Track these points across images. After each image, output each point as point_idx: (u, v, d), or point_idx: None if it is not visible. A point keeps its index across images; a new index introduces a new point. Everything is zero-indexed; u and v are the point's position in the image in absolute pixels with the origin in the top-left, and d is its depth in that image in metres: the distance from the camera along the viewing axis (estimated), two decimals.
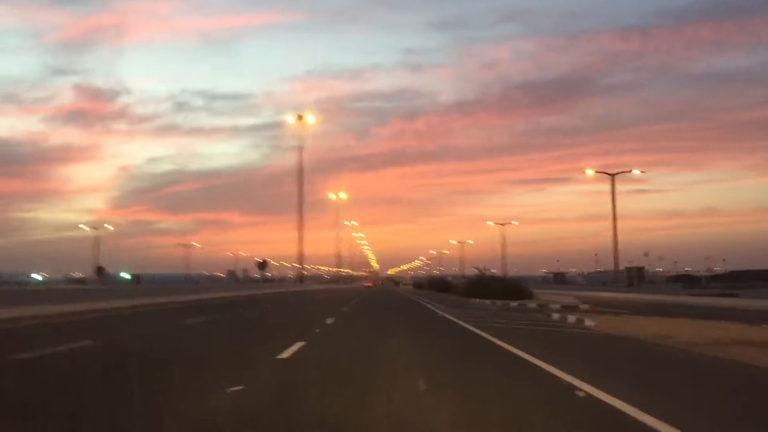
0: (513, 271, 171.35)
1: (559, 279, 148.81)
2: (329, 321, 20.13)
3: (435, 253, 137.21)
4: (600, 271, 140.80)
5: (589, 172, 56.58)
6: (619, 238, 56.98)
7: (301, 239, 75.10)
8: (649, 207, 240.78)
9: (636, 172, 57.71)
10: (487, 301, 34.42)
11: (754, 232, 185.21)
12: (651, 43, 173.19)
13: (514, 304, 31.72)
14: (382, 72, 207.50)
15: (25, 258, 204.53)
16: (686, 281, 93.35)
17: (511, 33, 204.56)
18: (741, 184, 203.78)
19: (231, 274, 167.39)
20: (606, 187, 57.45)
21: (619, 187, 53.65)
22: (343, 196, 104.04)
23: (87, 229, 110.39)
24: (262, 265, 54.54)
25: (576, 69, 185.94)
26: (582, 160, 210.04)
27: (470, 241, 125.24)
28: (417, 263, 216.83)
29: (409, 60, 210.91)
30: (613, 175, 53.72)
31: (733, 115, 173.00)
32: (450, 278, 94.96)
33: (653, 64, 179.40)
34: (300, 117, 71.46)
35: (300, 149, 73.96)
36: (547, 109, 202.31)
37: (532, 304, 31.22)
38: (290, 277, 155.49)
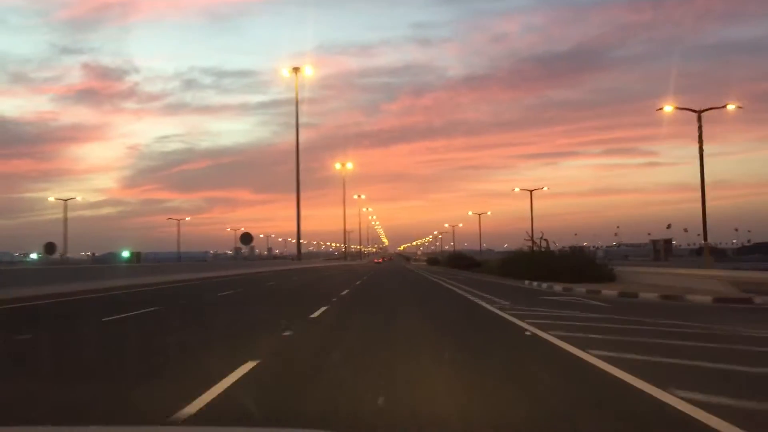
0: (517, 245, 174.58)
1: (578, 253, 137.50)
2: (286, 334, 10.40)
3: (449, 226, 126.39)
4: (622, 245, 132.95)
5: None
6: (631, 211, 50.50)
7: (298, 207, 64.63)
8: (661, 180, 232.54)
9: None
10: (558, 286, 23.49)
11: (763, 204, 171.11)
12: (662, 15, 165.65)
13: (611, 292, 20.08)
14: (390, 47, 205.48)
15: (34, 237, 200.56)
16: (696, 254, 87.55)
17: (521, 5, 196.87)
18: (753, 156, 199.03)
19: (237, 251, 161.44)
20: (616, 160, 53.94)
21: (629, 161, 50.00)
22: (349, 166, 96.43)
23: (79, 198, 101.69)
24: (246, 239, 43.52)
25: (586, 41, 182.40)
26: (592, 133, 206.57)
27: (488, 213, 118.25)
28: (427, 239, 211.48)
29: (417, 34, 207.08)
30: (531, 192, 55.40)
31: (746, 87, 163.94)
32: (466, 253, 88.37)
33: (664, 36, 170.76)
34: (296, 69, 60.98)
35: (296, 104, 63.46)
36: (557, 82, 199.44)
37: (650, 294, 18.85)
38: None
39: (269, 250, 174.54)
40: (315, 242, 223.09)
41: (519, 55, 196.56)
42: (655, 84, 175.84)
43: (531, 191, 76.00)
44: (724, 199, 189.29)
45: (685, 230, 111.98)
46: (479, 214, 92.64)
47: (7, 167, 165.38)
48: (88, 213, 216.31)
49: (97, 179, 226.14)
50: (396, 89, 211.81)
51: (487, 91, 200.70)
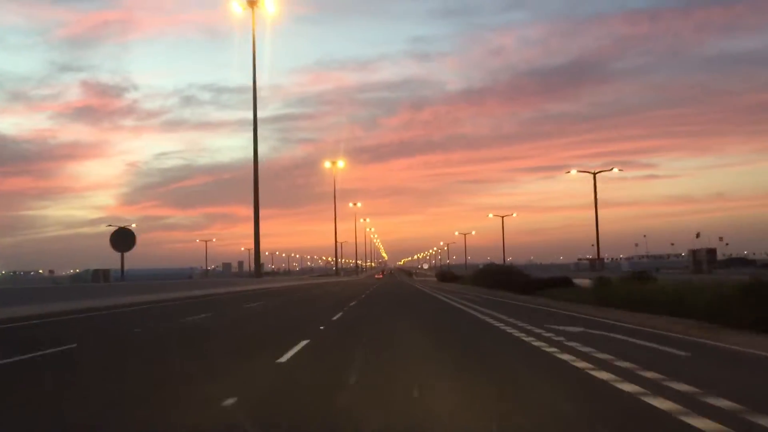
0: (528, 260, 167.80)
1: (598, 266, 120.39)
2: None
3: (459, 233, 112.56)
4: (650, 256, 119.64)
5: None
6: (629, 224, 40.19)
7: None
8: (659, 192, 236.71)
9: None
10: None
11: (764, 216, 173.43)
12: (660, 27, 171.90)
13: None
14: (389, 62, 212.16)
15: (34, 255, 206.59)
16: (740, 264, 79.18)
17: (518, 19, 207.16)
18: (751, 168, 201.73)
19: (226, 266, 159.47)
20: (614, 174, 53.59)
21: (629, 173, 42.66)
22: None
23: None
24: (122, 241, 24.71)
25: (584, 54, 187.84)
26: (591, 146, 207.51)
27: (473, 233, 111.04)
28: (432, 251, 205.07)
29: (416, 49, 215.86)
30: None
31: (744, 99, 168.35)
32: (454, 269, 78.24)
33: (662, 48, 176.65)
34: (252, 2, 47.43)
35: (254, 48, 46.84)
36: (555, 95, 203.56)
37: None
38: (294, 270, 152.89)
39: (261, 266, 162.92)
40: (309, 257, 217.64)
41: (517, 68, 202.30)
42: (653, 96, 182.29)
43: (502, 217, 78.32)
44: (722, 210, 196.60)
45: (721, 239, 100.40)
46: (502, 216, 76.51)
47: (6, 185, 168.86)
48: (86, 230, 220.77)
49: (96, 196, 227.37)
50: (395, 104, 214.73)
51: (485, 104, 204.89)
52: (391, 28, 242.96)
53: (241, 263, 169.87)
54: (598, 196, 47.28)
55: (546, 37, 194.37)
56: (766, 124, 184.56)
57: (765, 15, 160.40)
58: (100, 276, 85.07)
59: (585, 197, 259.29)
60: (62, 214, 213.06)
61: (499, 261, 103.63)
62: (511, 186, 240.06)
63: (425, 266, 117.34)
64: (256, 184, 47.87)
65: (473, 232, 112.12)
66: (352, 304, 24.83)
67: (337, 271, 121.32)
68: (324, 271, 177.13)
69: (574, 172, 51.46)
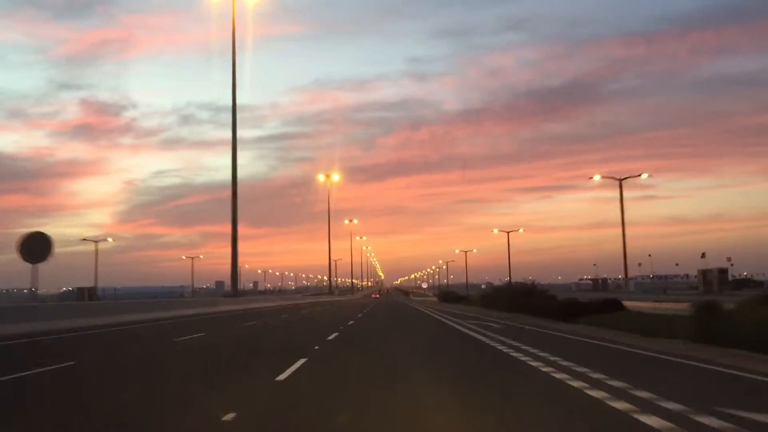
0: (526, 279, 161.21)
1: (601, 286, 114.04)
2: None
3: (460, 251, 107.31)
4: (656, 276, 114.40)
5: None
6: (628, 244, 44.45)
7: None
8: (656, 213, 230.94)
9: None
10: None
11: (761, 237, 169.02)
12: (656, 49, 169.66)
13: None
14: (387, 82, 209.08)
15: (28, 273, 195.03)
16: (751, 285, 74.14)
17: (515, 41, 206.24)
18: (748, 189, 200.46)
19: (219, 285, 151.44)
20: (613, 193, 49.30)
21: (626, 194, 43.98)
22: (335, 177, 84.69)
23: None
24: (33, 248, 18.21)
25: (581, 76, 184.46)
26: (587, 167, 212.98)
27: (474, 250, 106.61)
28: (430, 270, 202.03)
29: (414, 69, 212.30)
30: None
31: (739, 120, 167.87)
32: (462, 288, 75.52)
33: (658, 70, 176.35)
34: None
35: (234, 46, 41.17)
36: (552, 116, 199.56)
37: None
38: (288, 288, 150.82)
39: (254, 284, 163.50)
40: (306, 275, 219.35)
41: (514, 89, 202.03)
42: (649, 117, 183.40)
43: (508, 233, 76.81)
44: (718, 232, 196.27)
45: (728, 260, 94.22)
46: (508, 232, 71.01)
47: (3, 202, 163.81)
48: (83, 248, 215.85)
49: (94, 214, 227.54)
50: (392, 123, 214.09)
51: (482, 125, 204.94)
52: (389, 48, 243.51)
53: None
54: (597, 218, 42.29)
55: (543, 58, 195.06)
56: (763, 146, 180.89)
57: (758, 37, 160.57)
58: (85, 294, 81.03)
59: (582, 218, 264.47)
60: (59, 232, 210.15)
61: (497, 281, 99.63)
62: (508, 206, 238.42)
63: (424, 285, 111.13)
64: (234, 203, 43.40)
65: (474, 250, 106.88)
66: (340, 331, 19.45)
67: (332, 290, 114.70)
68: (319, 290, 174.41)
69: (597, 177, 45.99)
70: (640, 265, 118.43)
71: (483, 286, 74.78)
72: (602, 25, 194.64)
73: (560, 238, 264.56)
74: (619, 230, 43.52)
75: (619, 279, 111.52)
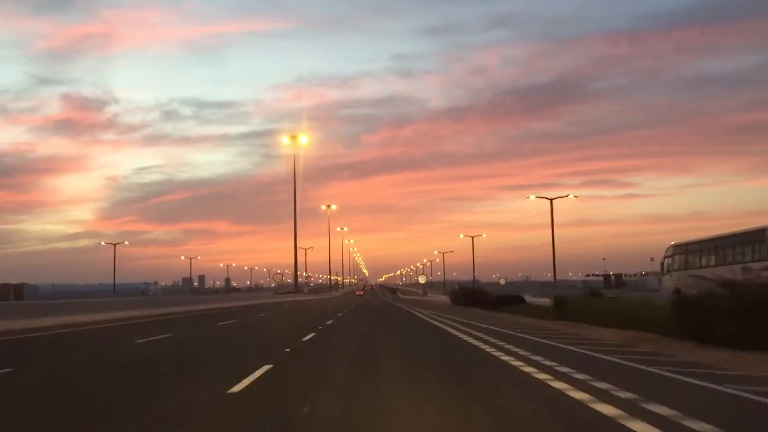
0: (514, 277, 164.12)
1: (615, 283, 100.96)
2: None
3: (438, 252, 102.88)
4: (614, 275, 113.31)
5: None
6: (609, 243, 40.50)
7: None
8: (638, 212, 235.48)
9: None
10: None
11: None
12: (640, 48, 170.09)
13: None
14: (372, 79, 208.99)
15: (8, 270, 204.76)
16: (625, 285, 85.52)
17: (501, 38, 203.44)
18: (729, 188, 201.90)
19: (186, 282, 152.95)
20: (594, 192, 44.62)
21: (608, 192, 43.61)
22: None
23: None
24: None
25: (565, 74, 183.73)
26: (571, 165, 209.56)
27: (451, 251, 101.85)
28: (410, 269, 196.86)
29: (399, 66, 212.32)
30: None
31: (722, 119, 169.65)
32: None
33: (642, 69, 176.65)
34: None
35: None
36: (536, 114, 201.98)
37: None
38: (266, 287, 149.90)
39: (227, 281, 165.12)
40: (289, 272, 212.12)
41: (499, 87, 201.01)
42: (633, 116, 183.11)
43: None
44: (700, 230, 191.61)
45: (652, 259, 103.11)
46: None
47: None
48: (64, 245, 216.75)
49: (75, 211, 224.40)
50: (377, 121, 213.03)
51: (467, 122, 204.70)
52: (374, 45, 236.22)
53: (202, 277, 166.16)
54: (575, 217, 49.05)
55: (528, 56, 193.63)
56: (743, 145, 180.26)
57: (741, 36, 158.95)
58: (9, 291, 73.02)
59: (564, 216, 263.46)
60: (39, 229, 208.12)
61: (483, 279, 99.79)
62: (492, 204, 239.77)
63: (421, 279, 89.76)
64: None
65: (452, 251, 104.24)
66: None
67: (298, 288, 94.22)
68: (300, 287, 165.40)
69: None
70: (604, 259, 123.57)
71: (456, 287, 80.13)
72: (587, 23, 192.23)
73: (543, 236, 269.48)
74: (599, 228, 48.97)
75: (634, 276, 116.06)
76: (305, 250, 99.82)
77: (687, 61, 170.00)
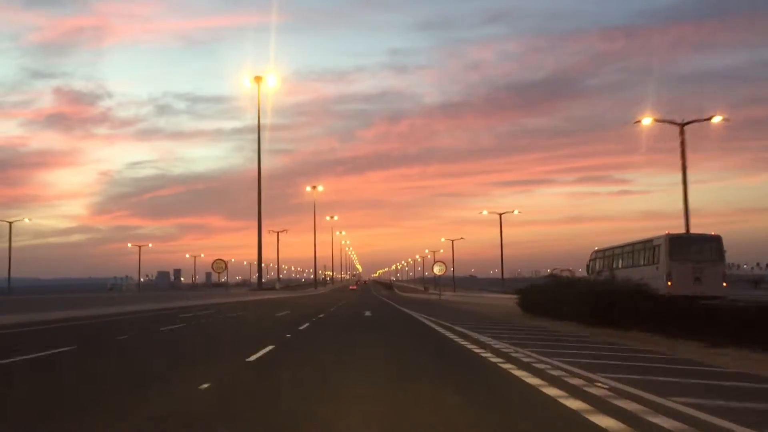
0: (509, 273, 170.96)
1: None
2: None
3: (446, 239, 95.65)
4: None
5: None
6: (602, 239, 48.74)
7: None
8: (632, 208, 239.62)
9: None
10: None
11: (736, 233, 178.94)
12: (636, 44, 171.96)
13: None
14: (367, 74, 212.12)
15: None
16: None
17: (496, 34, 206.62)
18: (724, 185, 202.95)
19: (161, 276, 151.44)
20: (589, 188, 51.37)
21: (602, 189, 51.72)
22: (320, 189, 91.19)
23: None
24: None
25: (561, 70, 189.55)
26: (566, 161, 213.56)
27: (461, 238, 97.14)
28: (405, 263, 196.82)
29: (394, 61, 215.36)
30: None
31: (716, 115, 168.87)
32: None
33: (637, 65, 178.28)
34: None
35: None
36: (531, 110, 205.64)
37: None
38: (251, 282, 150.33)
39: (207, 275, 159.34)
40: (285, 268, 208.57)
41: (494, 82, 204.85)
42: (628, 112, 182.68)
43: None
44: (694, 227, 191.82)
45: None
46: (452, 240, 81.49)
47: None
48: (56, 240, 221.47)
49: (67, 205, 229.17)
50: (371, 116, 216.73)
51: (462, 118, 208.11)
52: (370, 40, 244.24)
53: (178, 271, 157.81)
54: (569, 214, 54.33)
55: (523, 52, 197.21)
56: (738, 141, 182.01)
57: (736, 32, 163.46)
58: None
59: (558, 212, 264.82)
60: (32, 223, 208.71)
61: (480, 274, 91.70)
62: (486, 200, 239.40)
63: (436, 269, 71.38)
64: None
65: (462, 238, 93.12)
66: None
67: (260, 285, 71.12)
68: (295, 282, 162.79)
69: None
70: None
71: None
72: (583, 19, 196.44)
73: (535, 232, 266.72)
74: (593, 225, 54.75)
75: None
76: (278, 233, 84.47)
77: (683, 57, 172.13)
